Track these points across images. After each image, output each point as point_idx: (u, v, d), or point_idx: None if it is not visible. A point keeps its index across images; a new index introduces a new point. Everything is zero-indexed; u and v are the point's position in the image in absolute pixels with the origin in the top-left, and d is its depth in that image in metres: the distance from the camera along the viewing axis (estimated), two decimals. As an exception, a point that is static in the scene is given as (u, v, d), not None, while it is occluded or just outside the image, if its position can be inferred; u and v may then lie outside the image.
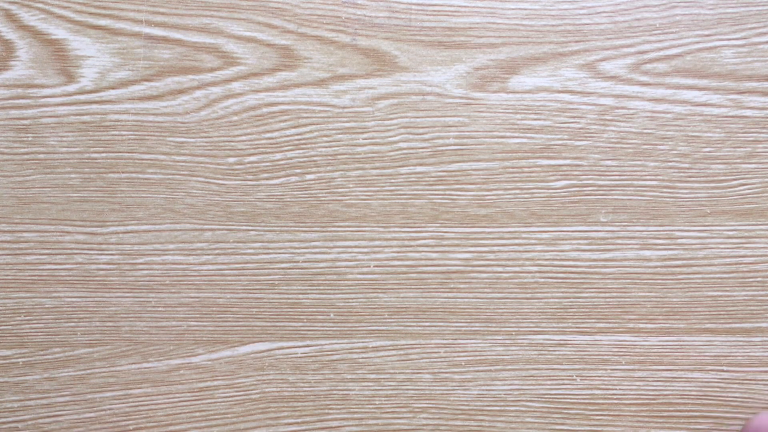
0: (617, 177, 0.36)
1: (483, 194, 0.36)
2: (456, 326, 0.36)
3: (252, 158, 0.36)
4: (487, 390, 0.36)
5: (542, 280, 0.36)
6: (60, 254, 0.36)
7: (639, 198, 0.36)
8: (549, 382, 0.36)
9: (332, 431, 0.36)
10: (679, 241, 0.36)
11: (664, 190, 0.36)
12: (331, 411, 0.36)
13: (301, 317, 0.36)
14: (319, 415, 0.36)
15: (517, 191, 0.36)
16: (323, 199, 0.36)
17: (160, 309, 0.36)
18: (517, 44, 0.36)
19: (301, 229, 0.36)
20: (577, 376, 0.36)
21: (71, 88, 0.36)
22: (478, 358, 0.36)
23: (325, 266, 0.36)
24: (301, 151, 0.36)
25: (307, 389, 0.36)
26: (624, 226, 0.36)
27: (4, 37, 0.36)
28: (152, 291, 0.36)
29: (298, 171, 0.36)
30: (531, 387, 0.36)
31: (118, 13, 0.36)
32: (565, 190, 0.36)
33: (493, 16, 0.36)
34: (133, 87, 0.36)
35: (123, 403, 0.36)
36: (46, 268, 0.36)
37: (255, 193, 0.36)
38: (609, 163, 0.36)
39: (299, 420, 0.36)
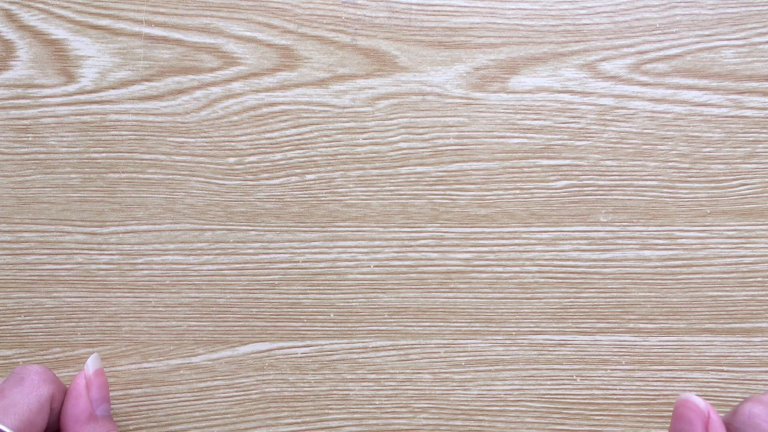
0: (617, 177, 0.36)
1: (483, 194, 0.36)
2: (456, 326, 0.36)
3: (252, 158, 0.36)
4: (487, 390, 0.36)
5: (542, 280, 0.36)
6: (60, 254, 0.36)
7: (639, 198, 0.36)
8: (549, 382, 0.36)
9: (332, 431, 0.36)
10: (679, 241, 0.36)
11: (664, 190, 0.36)
12: (331, 411, 0.36)
13: (301, 317, 0.36)
14: (319, 415, 0.36)
15: (517, 191, 0.36)
16: (323, 199, 0.36)
17: (160, 309, 0.36)
18: (517, 44, 0.36)
19: (301, 229, 0.36)
20: (577, 376, 0.36)
21: (71, 88, 0.36)
22: (478, 358, 0.36)
23: (325, 266, 0.36)
24: (301, 151, 0.36)
25: (307, 389, 0.36)
26: (624, 226, 0.36)
27: (4, 37, 0.36)
28: (152, 291, 0.36)
29: (298, 171, 0.36)
30: (531, 387, 0.36)
31: (118, 13, 0.36)
32: (565, 190, 0.36)
33: (493, 16, 0.36)
34: (133, 87, 0.36)
35: (123, 403, 0.36)
36: (46, 268, 0.36)
37: (255, 193, 0.36)
38: (609, 163, 0.36)
39: (299, 420, 0.36)
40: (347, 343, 0.36)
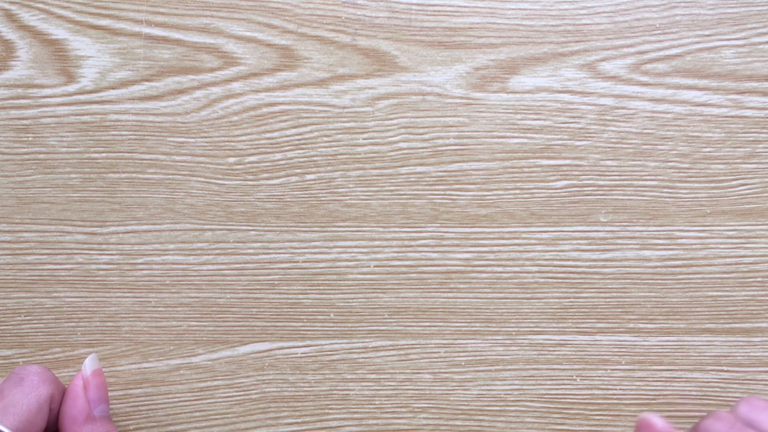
0: (617, 177, 0.36)
1: (483, 194, 0.36)
2: (456, 326, 0.36)
3: (252, 158, 0.36)
4: (487, 390, 0.36)
5: (542, 280, 0.36)
6: (60, 254, 0.36)
7: (639, 198, 0.36)
8: (549, 382, 0.36)
9: (332, 431, 0.36)
10: (679, 241, 0.36)
11: (664, 190, 0.36)
12: (331, 411, 0.36)
13: (301, 317, 0.36)
14: (319, 415, 0.36)
15: (517, 191, 0.36)
16: (323, 199, 0.36)
17: (160, 309, 0.36)
18: (517, 44, 0.36)
19: (301, 229, 0.36)
20: (577, 376, 0.36)
21: (71, 88, 0.36)
22: (478, 358, 0.36)
23: (325, 266, 0.36)
24: (301, 151, 0.36)
25: (307, 389, 0.36)
26: (624, 226, 0.36)
27: (4, 37, 0.36)
28: (152, 291, 0.36)
29: (298, 171, 0.36)
30: (531, 387, 0.36)
31: (118, 13, 0.36)
32: (565, 190, 0.36)
33: (493, 16, 0.36)
34: (133, 87, 0.36)
35: (123, 403, 0.36)
36: (46, 268, 0.36)
37: (255, 193, 0.36)
38: (609, 163, 0.36)
39: (299, 420, 0.36)
40: (347, 343, 0.36)
